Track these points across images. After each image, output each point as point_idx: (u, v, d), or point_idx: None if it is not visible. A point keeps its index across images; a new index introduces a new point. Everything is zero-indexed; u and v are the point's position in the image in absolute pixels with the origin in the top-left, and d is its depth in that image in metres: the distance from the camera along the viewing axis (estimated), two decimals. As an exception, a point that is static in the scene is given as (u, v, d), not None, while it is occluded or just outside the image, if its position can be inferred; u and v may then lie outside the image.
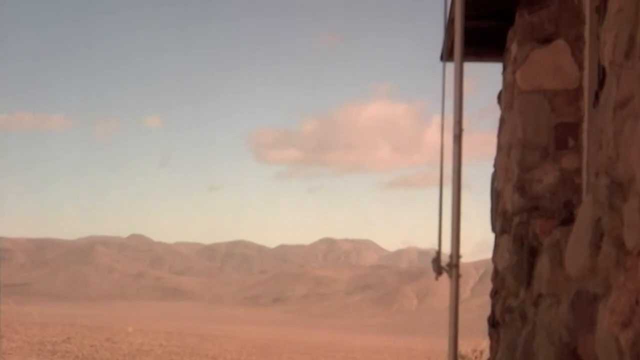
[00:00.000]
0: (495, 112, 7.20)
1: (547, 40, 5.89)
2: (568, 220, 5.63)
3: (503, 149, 6.70)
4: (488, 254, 7.32)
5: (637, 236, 3.49)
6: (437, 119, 6.88)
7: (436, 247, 6.98)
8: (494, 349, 7.01)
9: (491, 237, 7.08)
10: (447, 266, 6.34)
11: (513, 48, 6.18)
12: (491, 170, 7.33)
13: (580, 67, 5.82)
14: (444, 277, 6.47)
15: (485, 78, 8.56)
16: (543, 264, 5.43)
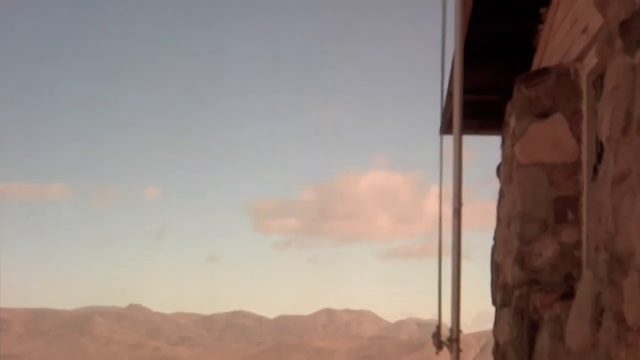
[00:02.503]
0: (495, 182, 7.24)
1: (545, 114, 5.95)
2: (568, 294, 5.61)
3: (503, 222, 6.71)
4: (489, 325, 7.28)
5: (637, 312, 3.48)
6: (435, 189, 6.91)
7: (436, 318, 6.94)
8: None
9: (492, 307, 7.05)
10: (448, 340, 6.29)
11: (511, 122, 6.24)
12: (491, 240, 7.34)
13: (578, 141, 5.87)
14: (445, 350, 6.42)
15: (484, 147, 8.62)
16: (544, 339, 5.40)
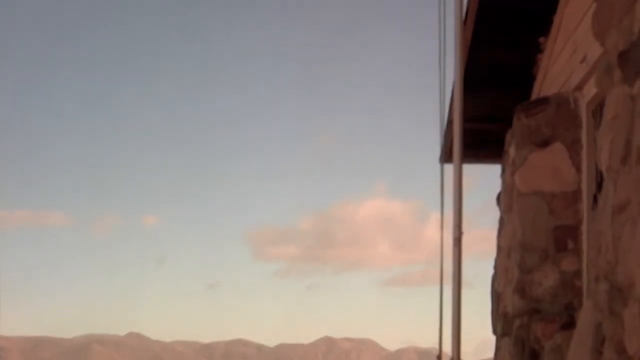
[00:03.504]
0: (495, 209, 7.23)
1: (544, 143, 5.95)
2: (569, 324, 5.59)
3: (503, 251, 6.69)
4: (490, 354, 7.24)
5: (638, 342, 3.47)
6: (435, 216, 6.90)
7: (437, 347, 6.91)
8: None
9: (493, 336, 7.02)
10: (448, 370, 6.26)
11: (511, 151, 6.24)
12: (491, 268, 7.32)
13: (578, 170, 5.87)
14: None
15: (484, 175, 8.61)
16: (545, 369, 5.37)
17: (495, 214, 7.21)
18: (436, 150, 7.90)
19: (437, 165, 7.78)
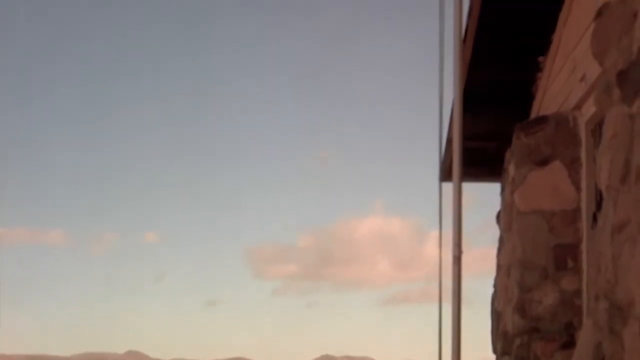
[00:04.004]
0: (494, 227, 7.23)
1: (544, 162, 5.96)
2: (569, 343, 5.59)
3: (503, 269, 6.69)
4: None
5: (638, 362, 3.46)
6: (434, 234, 6.90)
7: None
8: None
9: (493, 354, 7.01)
10: (448, 389, 6.24)
11: (511, 169, 6.25)
12: (491, 286, 7.31)
13: (578, 189, 5.87)
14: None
15: (483, 192, 8.61)
16: (545, 388, 5.35)
17: (494, 231, 7.21)
18: (435, 167, 7.91)
19: (436, 182, 7.78)
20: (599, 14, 4.44)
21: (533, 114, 6.82)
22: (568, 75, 5.96)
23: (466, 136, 6.29)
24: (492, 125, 7.36)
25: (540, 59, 6.68)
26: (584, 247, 5.78)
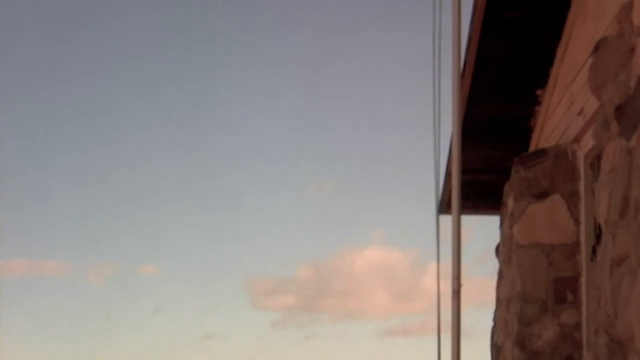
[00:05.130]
0: (493, 258, 7.23)
1: (543, 195, 5.96)
2: (569, 377, 5.56)
3: (502, 303, 6.67)
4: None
5: (639, 397, 3.45)
6: (434, 266, 6.88)
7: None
8: None
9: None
10: None
11: (510, 202, 6.25)
12: (490, 317, 7.29)
13: (577, 222, 5.87)
14: None
15: (482, 223, 8.60)
16: (545, 422, 5.32)
17: (494, 262, 7.20)
18: (432, 199, 7.91)
19: (434, 213, 7.79)
20: (597, 48, 4.48)
21: (532, 147, 6.84)
22: (566, 109, 5.99)
23: (464, 169, 6.31)
24: (490, 158, 7.39)
25: (539, 92, 6.71)
26: (583, 280, 5.77)
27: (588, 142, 5.58)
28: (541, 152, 6.10)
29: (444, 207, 7.54)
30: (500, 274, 6.84)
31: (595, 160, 5.53)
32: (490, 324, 7.31)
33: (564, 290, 5.84)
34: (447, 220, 6.69)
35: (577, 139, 5.81)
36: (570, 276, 5.85)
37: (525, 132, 6.99)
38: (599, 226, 4.83)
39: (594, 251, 5.56)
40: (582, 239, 5.82)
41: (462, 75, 6.55)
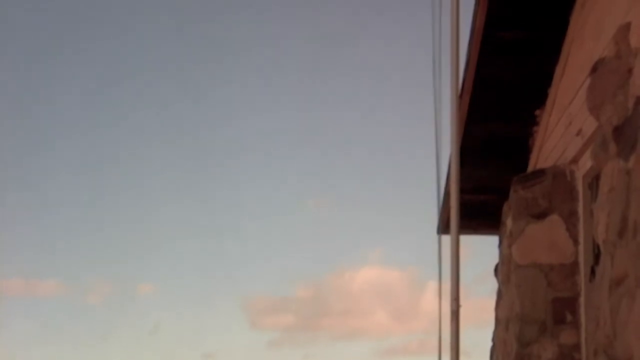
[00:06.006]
0: (492, 278, 7.22)
1: (541, 215, 5.97)
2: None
3: (501, 323, 6.66)
4: None
5: (638, 418, 3.44)
6: (433, 284, 6.88)
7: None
8: None
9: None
10: None
11: (508, 223, 6.25)
12: (489, 337, 7.28)
13: (575, 242, 5.87)
14: None
15: (481, 243, 8.60)
16: None
17: (492, 281, 7.19)
18: (432, 218, 7.91)
19: (434, 232, 7.79)
20: (594, 69, 4.49)
21: (530, 167, 6.84)
22: (564, 129, 6.00)
23: (463, 189, 6.32)
24: (489, 178, 7.39)
25: (537, 112, 6.72)
26: (582, 300, 5.77)
27: (586, 163, 5.59)
28: (540, 172, 6.11)
29: (443, 227, 7.55)
30: (499, 294, 6.83)
31: (593, 181, 5.53)
32: (490, 343, 7.30)
33: (563, 310, 5.83)
34: (445, 239, 6.70)
35: (575, 160, 5.82)
36: (569, 296, 5.84)
37: (523, 152, 7.00)
38: (598, 246, 4.83)
39: (592, 271, 5.55)
40: (581, 259, 5.82)
41: (461, 96, 6.57)
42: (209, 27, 19.40)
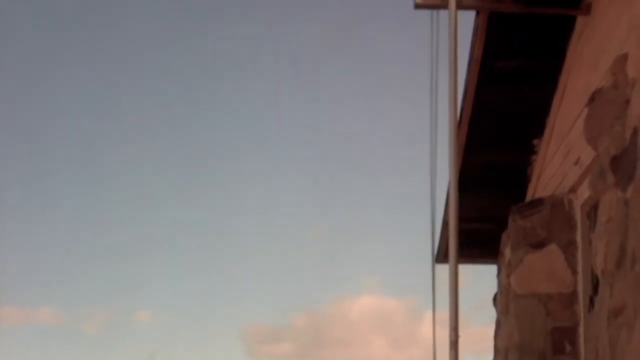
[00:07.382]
0: (490, 306, 7.20)
1: (540, 245, 5.96)
2: None
3: (500, 353, 6.63)
4: None
5: None
6: (430, 313, 6.84)
7: None
8: None
9: None
10: None
11: (507, 252, 6.24)
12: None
13: (574, 272, 5.86)
14: None
15: (478, 270, 8.59)
16: None
17: (490, 310, 7.17)
18: (428, 247, 7.88)
19: (429, 261, 7.76)
20: (592, 99, 4.51)
21: (528, 197, 6.85)
22: (563, 159, 6.01)
23: (461, 218, 6.31)
24: (487, 208, 7.38)
25: (535, 141, 6.73)
26: (581, 330, 5.75)
27: (584, 192, 5.59)
28: (538, 202, 6.11)
29: (441, 256, 7.53)
30: (498, 324, 6.81)
31: (592, 210, 5.53)
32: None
33: (562, 340, 5.81)
34: (442, 267, 6.68)
35: (573, 189, 5.82)
36: (568, 326, 5.82)
37: (522, 181, 7.00)
38: (597, 276, 4.82)
39: (591, 301, 5.54)
40: (580, 289, 5.81)
41: (459, 125, 6.57)
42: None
